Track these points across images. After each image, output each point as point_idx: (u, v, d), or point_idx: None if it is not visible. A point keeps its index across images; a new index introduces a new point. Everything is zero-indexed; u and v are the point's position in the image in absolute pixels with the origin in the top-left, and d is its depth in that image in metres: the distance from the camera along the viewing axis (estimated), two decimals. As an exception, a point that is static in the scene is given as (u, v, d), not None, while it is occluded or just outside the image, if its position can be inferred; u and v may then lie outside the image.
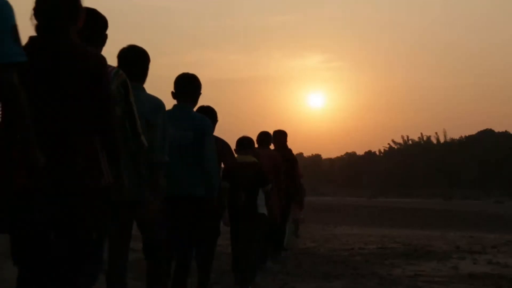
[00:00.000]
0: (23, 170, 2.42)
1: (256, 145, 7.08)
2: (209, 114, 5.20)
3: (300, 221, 12.25)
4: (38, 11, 2.80)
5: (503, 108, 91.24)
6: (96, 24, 3.40)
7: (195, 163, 4.48)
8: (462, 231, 15.78)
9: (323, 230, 15.96)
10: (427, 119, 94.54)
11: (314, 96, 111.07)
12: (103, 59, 2.90)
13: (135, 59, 3.93)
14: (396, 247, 10.75)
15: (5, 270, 7.00)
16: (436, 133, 71.57)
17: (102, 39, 3.47)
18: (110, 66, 3.27)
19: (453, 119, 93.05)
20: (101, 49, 3.42)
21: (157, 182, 3.77)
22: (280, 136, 8.36)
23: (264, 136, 7.74)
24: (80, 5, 2.89)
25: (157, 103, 3.91)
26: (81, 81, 2.75)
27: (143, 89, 3.93)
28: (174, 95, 4.66)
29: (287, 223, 9.06)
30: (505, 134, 65.37)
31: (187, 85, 4.65)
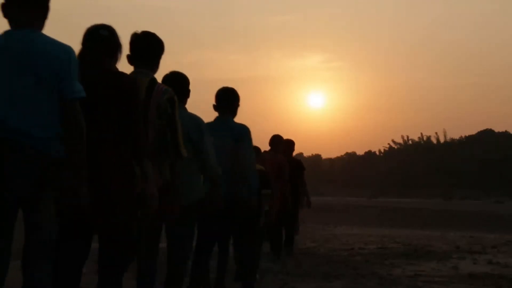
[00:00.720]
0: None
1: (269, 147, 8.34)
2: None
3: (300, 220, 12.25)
4: (88, 48, 3.34)
5: (503, 108, 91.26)
6: (152, 48, 3.88)
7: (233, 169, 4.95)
8: (462, 231, 15.78)
9: (323, 230, 15.95)
10: (427, 119, 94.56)
11: (314, 96, 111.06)
12: (134, 84, 3.35)
13: (178, 82, 4.33)
14: (396, 247, 10.75)
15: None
16: (436, 133, 71.62)
17: (157, 62, 3.91)
18: (161, 84, 3.79)
19: (453, 119, 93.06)
20: (155, 70, 3.89)
21: (218, 193, 4.45)
22: (290, 144, 9.17)
23: (277, 140, 8.53)
24: (119, 46, 3.44)
25: (198, 121, 4.35)
26: (114, 103, 3.20)
27: (185, 108, 4.36)
28: (216, 107, 5.15)
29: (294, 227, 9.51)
30: (505, 134, 65.36)
31: (227, 99, 5.15)
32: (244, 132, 5.09)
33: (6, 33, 2.92)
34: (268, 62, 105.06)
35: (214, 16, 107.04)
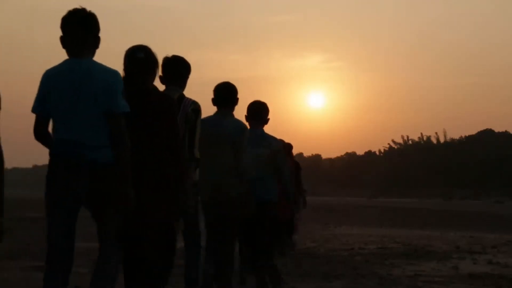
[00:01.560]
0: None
1: None
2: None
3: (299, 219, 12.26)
4: (128, 70, 3.87)
5: (503, 108, 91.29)
6: (180, 70, 4.62)
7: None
8: (462, 231, 15.77)
9: (323, 230, 15.95)
10: (427, 119, 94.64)
11: (314, 96, 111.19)
12: (171, 100, 3.93)
13: (229, 92, 4.97)
14: (396, 247, 10.75)
15: (5, 270, 7.01)
16: (436, 133, 71.60)
17: (185, 80, 4.65)
18: (188, 98, 4.49)
19: (453, 119, 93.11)
20: (184, 87, 4.62)
21: (250, 195, 4.86)
22: (290, 147, 9.41)
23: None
24: (155, 65, 3.94)
25: (241, 126, 4.91)
26: (154, 118, 3.71)
27: (232, 115, 4.93)
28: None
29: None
30: (505, 134, 65.33)
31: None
32: (279, 144, 5.48)
33: (66, 61, 3.49)
34: (268, 62, 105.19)
35: (214, 16, 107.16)
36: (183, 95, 4.51)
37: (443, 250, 10.17)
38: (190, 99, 4.48)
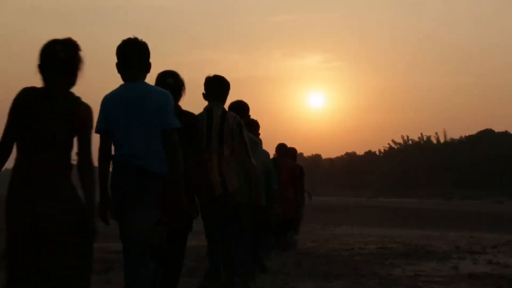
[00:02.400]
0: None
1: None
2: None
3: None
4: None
5: (503, 108, 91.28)
6: (222, 88, 5.19)
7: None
8: (462, 231, 15.79)
9: (323, 230, 15.97)
10: (427, 119, 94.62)
11: (314, 96, 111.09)
12: (196, 118, 4.57)
13: (240, 109, 5.66)
14: (396, 247, 10.75)
15: (5, 270, 7.00)
16: (436, 133, 71.61)
17: (225, 97, 5.22)
18: (231, 112, 5.11)
19: (453, 119, 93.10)
20: (224, 102, 5.22)
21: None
22: (294, 152, 10.38)
23: (283, 149, 9.67)
24: (182, 88, 4.49)
25: (255, 140, 5.72)
26: (185, 133, 4.16)
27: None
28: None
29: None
30: (505, 134, 65.35)
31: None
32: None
33: (122, 86, 3.90)
34: (268, 62, 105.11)
35: (214, 16, 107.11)
36: (225, 110, 5.11)
37: (443, 250, 10.17)
38: (232, 114, 5.08)
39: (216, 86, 5.13)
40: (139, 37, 3.89)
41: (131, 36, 3.89)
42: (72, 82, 3.27)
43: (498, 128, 69.78)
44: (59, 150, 3.21)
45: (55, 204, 3.14)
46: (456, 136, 71.21)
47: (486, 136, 65.28)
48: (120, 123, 3.81)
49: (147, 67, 3.92)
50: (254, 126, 6.44)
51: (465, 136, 69.66)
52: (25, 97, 3.16)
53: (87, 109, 3.30)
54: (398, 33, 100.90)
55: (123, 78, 3.90)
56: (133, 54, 3.85)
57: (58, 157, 3.20)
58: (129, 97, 3.81)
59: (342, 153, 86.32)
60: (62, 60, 3.21)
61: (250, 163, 5.08)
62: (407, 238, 12.61)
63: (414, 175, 64.45)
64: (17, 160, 3.23)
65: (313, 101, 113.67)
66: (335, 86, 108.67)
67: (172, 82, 4.35)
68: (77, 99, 3.28)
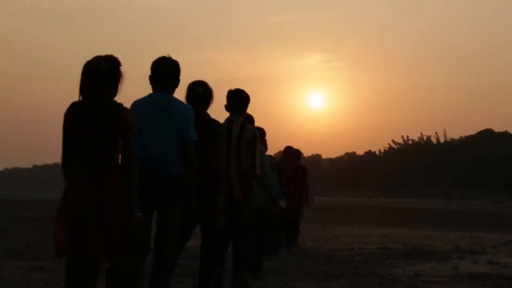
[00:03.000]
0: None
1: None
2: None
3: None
4: (189, 101, 4.80)
5: (503, 108, 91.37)
6: (242, 101, 5.58)
7: None
8: (462, 231, 15.77)
9: (323, 230, 15.95)
10: (427, 119, 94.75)
11: (314, 96, 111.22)
12: (219, 125, 4.99)
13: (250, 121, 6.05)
14: (396, 247, 10.74)
15: (5, 270, 7.00)
16: (436, 133, 71.68)
17: (245, 109, 5.61)
18: (249, 125, 5.51)
19: (453, 119, 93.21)
20: (244, 115, 5.63)
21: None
22: (299, 152, 10.89)
23: (289, 151, 10.31)
24: (211, 98, 4.97)
25: (264, 152, 6.48)
26: (205, 142, 4.71)
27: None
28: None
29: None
30: (505, 134, 65.36)
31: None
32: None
33: (151, 95, 4.44)
34: (268, 62, 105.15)
35: (214, 16, 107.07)
36: (244, 123, 5.50)
37: (443, 250, 10.16)
38: (250, 127, 5.51)
39: (238, 100, 5.52)
40: (172, 57, 4.45)
41: (166, 55, 4.46)
42: (114, 94, 3.59)
43: (498, 128, 69.91)
44: (106, 152, 3.54)
45: (105, 198, 3.49)
46: (456, 136, 71.32)
47: (486, 136, 65.29)
48: (146, 128, 4.25)
49: (176, 83, 4.50)
50: (261, 134, 6.64)
51: (465, 136, 69.70)
52: (73, 110, 3.54)
53: (128, 113, 3.62)
54: (398, 33, 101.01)
55: (154, 88, 4.45)
56: (166, 72, 4.43)
57: (105, 158, 3.54)
58: (156, 106, 4.33)
59: (342, 153, 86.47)
60: (106, 74, 3.52)
61: (254, 171, 5.40)
62: (407, 238, 12.61)
63: (414, 175, 64.46)
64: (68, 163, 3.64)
65: (313, 101, 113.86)
66: (335, 86, 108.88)
67: (201, 92, 4.84)
68: (120, 105, 3.59)
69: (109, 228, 3.47)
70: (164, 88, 4.40)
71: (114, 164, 3.55)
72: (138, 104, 4.38)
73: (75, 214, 3.44)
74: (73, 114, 3.53)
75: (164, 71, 4.43)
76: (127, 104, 3.88)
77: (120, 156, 3.58)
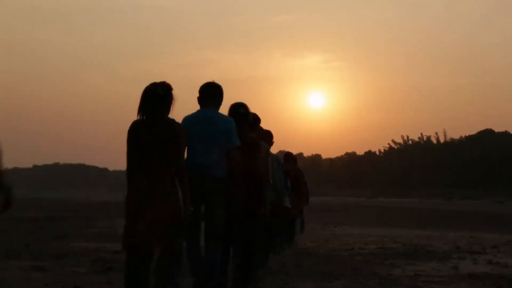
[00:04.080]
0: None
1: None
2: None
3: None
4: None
5: (503, 108, 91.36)
6: (256, 121, 6.37)
7: None
8: (462, 231, 15.77)
9: (323, 230, 15.95)
10: (427, 119, 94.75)
11: (314, 96, 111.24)
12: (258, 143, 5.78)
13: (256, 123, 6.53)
14: (396, 247, 10.74)
15: (5, 270, 7.00)
16: (436, 133, 71.68)
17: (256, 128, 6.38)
18: (262, 143, 5.99)
19: (453, 119, 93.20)
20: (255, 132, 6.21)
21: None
22: (295, 158, 11.67)
23: (289, 156, 11.11)
24: (249, 115, 5.77)
25: (277, 158, 7.76)
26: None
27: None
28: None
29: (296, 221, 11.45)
30: (505, 134, 65.35)
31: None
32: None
33: (199, 111, 5.26)
34: (268, 62, 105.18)
35: (214, 16, 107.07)
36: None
37: (443, 250, 10.17)
38: (264, 144, 6.15)
39: (254, 123, 6.18)
40: (215, 81, 5.30)
41: (211, 81, 5.31)
42: (168, 113, 4.27)
43: (498, 128, 69.84)
44: (162, 161, 4.19)
45: (159, 199, 4.14)
46: (456, 136, 71.29)
47: (486, 136, 65.28)
48: (197, 139, 5.02)
49: (220, 103, 5.35)
50: (269, 136, 7.30)
51: (465, 136, 69.68)
52: (135, 126, 4.24)
53: (180, 128, 4.29)
54: (398, 33, 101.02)
55: (201, 106, 5.29)
56: (213, 94, 5.29)
57: (161, 166, 4.19)
58: (205, 120, 5.15)
59: (342, 153, 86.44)
60: (161, 97, 4.22)
61: (267, 179, 6.01)
62: (407, 238, 12.61)
63: (414, 175, 64.44)
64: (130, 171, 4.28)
65: (313, 101, 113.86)
66: (335, 86, 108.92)
67: (243, 111, 5.59)
68: (172, 121, 4.28)
69: (161, 223, 4.10)
70: (209, 105, 5.24)
71: (169, 170, 4.20)
72: (188, 119, 5.18)
73: (133, 213, 4.12)
74: (134, 130, 4.23)
75: (212, 93, 5.29)
76: (179, 119, 4.48)
77: (174, 163, 4.21)
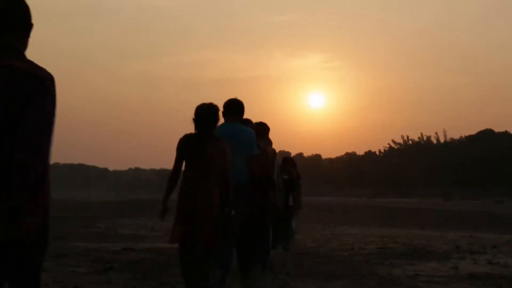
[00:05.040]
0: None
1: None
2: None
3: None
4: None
5: (503, 108, 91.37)
6: (265, 132, 7.14)
7: None
8: (462, 231, 15.78)
9: (323, 230, 15.96)
10: (427, 119, 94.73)
11: (314, 96, 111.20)
12: (271, 153, 6.79)
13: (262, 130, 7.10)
14: (396, 247, 10.74)
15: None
16: (436, 133, 71.72)
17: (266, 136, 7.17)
18: (272, 148, 6.98)
19: (453, 119, 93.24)
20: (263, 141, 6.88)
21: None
22: (292, 160, 11.99)
23: (286, 160, 11.30)
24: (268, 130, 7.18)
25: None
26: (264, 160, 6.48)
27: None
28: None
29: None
30: (505, 134, 65.39)
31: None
32: None
33: (223, 124, 5.61)
34: (268, 62, 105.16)
35: (214, 16, 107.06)
36: (266, 147, 6.84)
37: (443, 250, 10.17)
38: (272, 148, 7.01)
39: (263, 132, 6.96)
40: (238, 98, 5.93)
41: (233, 97, 5.91)
42: (214, 130, 4.95)
43: (498, 128, 69.97)
44: (209, 170, 4.82)
45: (204, 200, 4.74)
46: (456, 136, 71.34)
47: (486, 136, 65.31)
48: None
49: (242, 116, 5.97)
50: (264, 129, 7.41)
51: (465, 136, 69.73)
52: (185, 140, 4.89)
53: (226, 144, 4.92)
54: (398, 33, 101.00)
55: (225, 120, 5.76)
56: (236, 108, 5.90)
57: (211, 174, 4.82)
58: (229, 132, 5.63)
59: (342, 153, 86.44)
60: (211, 115, 4.89)
61: (272, 179, 6.60)
62: (407, 238, 12.61)
63: (414, 175, 64.47)
64: (184, 177, 4.89)
65: (313, 101, 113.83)
66: (335, 86, 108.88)
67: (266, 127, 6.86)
68: (219, 139, 4.93)
69: (207, 224, 4.69)
70: (232, 119, 5.85)
71: (215, 178, 4.83)
72: (219, 132, 5.71)
73: (185, 213, 4.71)
74: (187, 141, 4.88)
75: (235, 108, 5.91)
76: (180, 115, 4.84)
77: (219, 172, 4.85)
